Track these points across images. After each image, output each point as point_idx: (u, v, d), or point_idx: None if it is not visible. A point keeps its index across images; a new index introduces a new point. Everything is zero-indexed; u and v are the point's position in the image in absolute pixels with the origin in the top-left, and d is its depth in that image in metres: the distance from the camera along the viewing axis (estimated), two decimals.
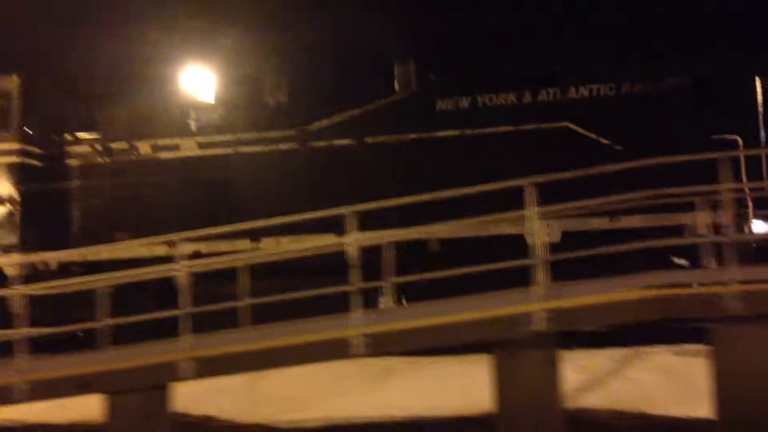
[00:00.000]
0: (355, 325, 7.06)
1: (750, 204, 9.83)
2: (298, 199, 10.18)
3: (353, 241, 7.17)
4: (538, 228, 6.95)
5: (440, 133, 11.60)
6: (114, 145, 12.47)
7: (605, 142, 10.86)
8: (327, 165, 11.77)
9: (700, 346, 7.44)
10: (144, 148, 12.45)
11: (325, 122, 11.90)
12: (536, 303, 6.85)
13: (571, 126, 11.07)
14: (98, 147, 12.53)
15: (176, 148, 12.34)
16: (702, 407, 6.97)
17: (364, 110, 11.79)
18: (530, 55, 13.62)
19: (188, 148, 12.33)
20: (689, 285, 6.95)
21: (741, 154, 9.76)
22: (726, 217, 6.92)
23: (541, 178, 6.91)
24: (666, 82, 11.01)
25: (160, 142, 12.34)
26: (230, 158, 12.20)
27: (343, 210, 7.26)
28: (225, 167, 12.14)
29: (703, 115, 10.52)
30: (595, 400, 8.34)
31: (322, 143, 11.93)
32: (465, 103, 11.58)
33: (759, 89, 10.62)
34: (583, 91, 11.25)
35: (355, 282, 7.14)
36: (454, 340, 7.22)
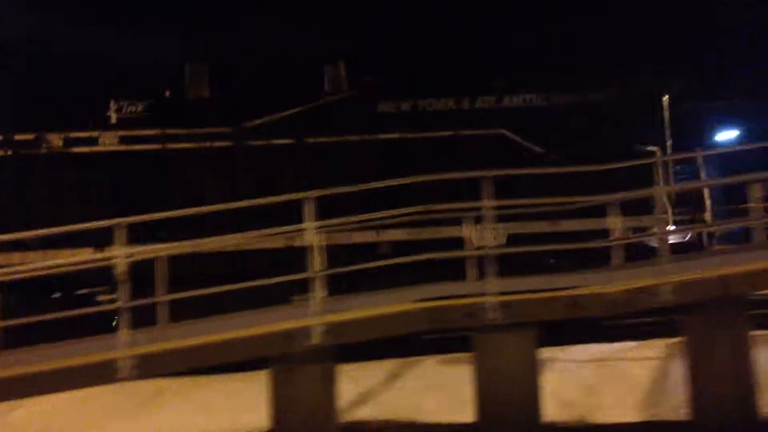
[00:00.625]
0: (122, 346, 6.63)
1: (669, 210, 10.25)
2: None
3: (122, 255, 6.75)
4: (316, 240, 7.02)
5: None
6: None
7: (538, 149, 11.26)
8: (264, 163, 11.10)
9: (466, 354, 7.90)
10: None
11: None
12: (313, 317, 6.90)
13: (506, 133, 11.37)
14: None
15: None
16: (466, 412, 7.41)
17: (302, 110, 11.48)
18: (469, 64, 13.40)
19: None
20: (459, 296, 7.36)
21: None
22: (486, 232, 7.38)
23: (317, 192, 7.01)
24: (591, 96, 11.75)
25: None
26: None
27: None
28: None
29: (623, 127, 11.29)
30: (368, 411, 8.54)
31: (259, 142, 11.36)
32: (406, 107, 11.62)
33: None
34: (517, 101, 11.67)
35: (124, 300, 6.72)
36: (228, 358, 7.04)
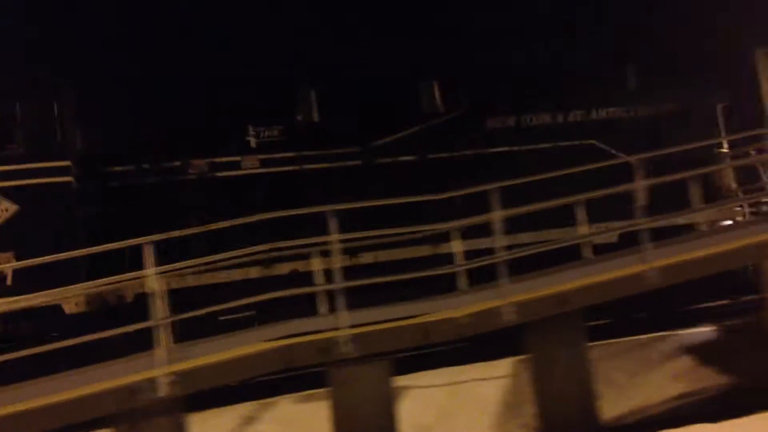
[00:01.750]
0: None
1: None
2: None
3: None
4: (157, 286, 6.69)
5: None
6: None
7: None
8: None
9: (322, 390, 7.79)
10: None
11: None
12: (159, 368, 6.54)
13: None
14: None
15: None
16: None
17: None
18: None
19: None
20: (310, 333, 7.26)
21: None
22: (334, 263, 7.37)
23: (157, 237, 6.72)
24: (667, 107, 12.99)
25: None
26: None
27: None
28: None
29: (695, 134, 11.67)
30: None
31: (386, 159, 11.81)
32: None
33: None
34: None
35: None
36: (58, 423, 6.46)
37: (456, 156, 12.10)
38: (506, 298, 7.49)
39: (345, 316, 7.12)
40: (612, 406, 8.70)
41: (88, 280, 7.92)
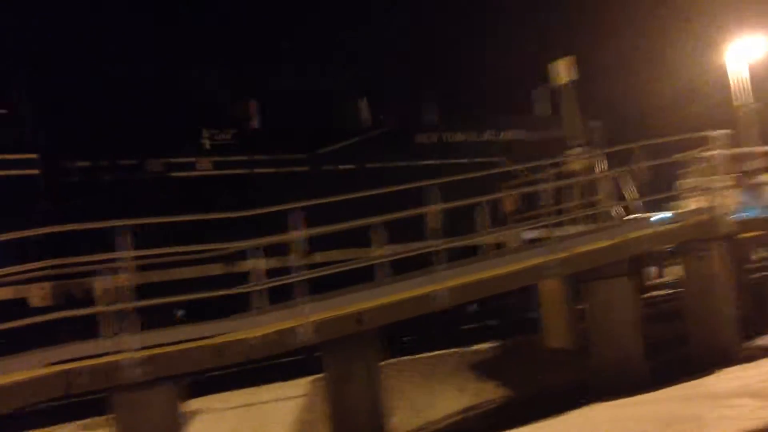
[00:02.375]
0: None
1: None
2: None
3: None
4: None
5: None
6: None
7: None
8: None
9: (105, 417, 7.29)
10: None
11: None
12: None
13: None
14: None
15: None
16: None
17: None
18: None
19: None
20: (95, 356, 6.79)
21: None
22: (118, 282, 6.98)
23: None
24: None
25: None
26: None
27: None
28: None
29: None
30: None
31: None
32: None
33: None
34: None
35: None
36: None
37: (389, 166, 13.21)
38: (303, 318, 7.49)
39: (132, 338, 6.73)
40: (404, 420, 9.01)
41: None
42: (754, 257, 14.43)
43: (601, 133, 16.26)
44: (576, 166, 12.58)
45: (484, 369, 10.99)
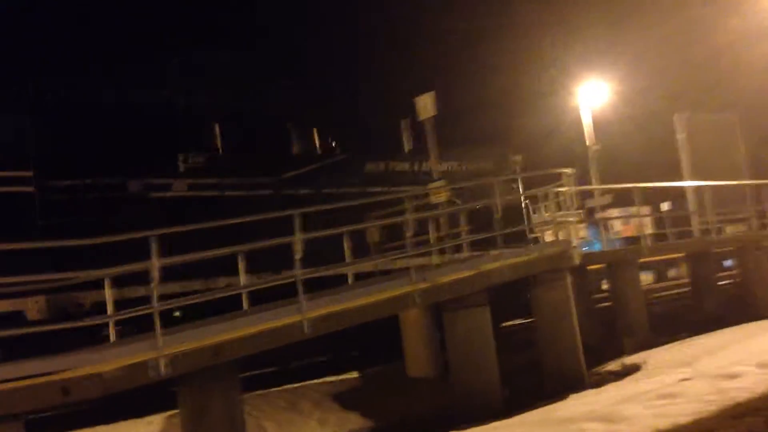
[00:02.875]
0: None
1: None
2: None
3: None
4: None
5: None
6: None
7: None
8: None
9: None
10: None
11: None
12: None
13: None
14: None
15: None
16: None
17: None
18: None
19: None
20: None
21: None
22: None
23: None
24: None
25: None
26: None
27: None
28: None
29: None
30: None
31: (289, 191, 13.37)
32: None
33: None
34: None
35: None
36: None
37: (343, 191, 13.63)
38: (157, 351, 7.15)
39: None
40: None
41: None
42: (602, 287, 15.35)
43: (522, 166, 17.50)
44: (437, 198, 12.92)
45: (346, 400, 10.95)
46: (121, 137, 11.90)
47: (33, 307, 10.38)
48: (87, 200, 11.42)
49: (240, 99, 13.80)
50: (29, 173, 10.94)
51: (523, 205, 15.11)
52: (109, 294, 7.98)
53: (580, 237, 11.90)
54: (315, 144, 14.63)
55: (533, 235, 13.51)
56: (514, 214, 13.97)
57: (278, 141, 14.04)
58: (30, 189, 10.94)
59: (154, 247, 7.47)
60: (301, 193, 13.42)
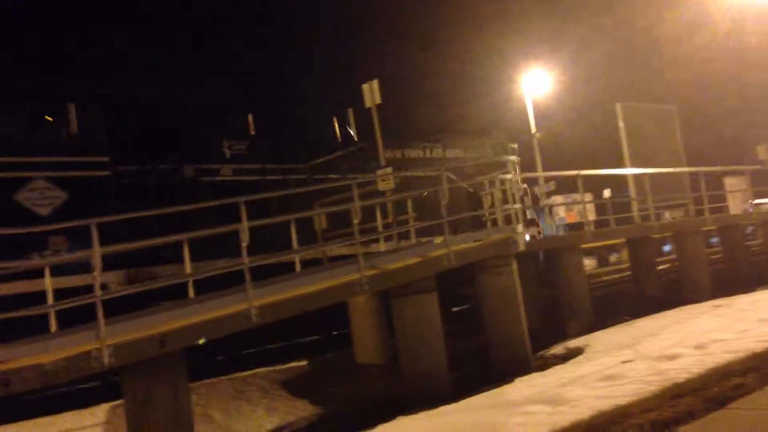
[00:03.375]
0: None
1: None
2: None
3: None
4: None
5: None
6: None
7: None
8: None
9: None
10: None
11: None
12: None
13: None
14: None
15: None
16: None
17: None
18: None
19: None
20: None
21: None
22: None
23: None
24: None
25: None
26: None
27: None
28: None
29: None
30: None
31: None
32: None
33: None
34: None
35: None
36: None
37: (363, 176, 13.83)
38: (100, 341, 7.00)
39: None
40: None
41: None
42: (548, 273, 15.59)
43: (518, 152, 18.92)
44: (383, 186, 12.94)
45: (295, 387, 10.92)
46: (176, 128, 13.45)
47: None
48: (149, 184, 12.56)
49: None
50: (106, 159, 12.02)
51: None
52: (48, 283, 7.80)
53: (523, 223, 12.07)
54: (336, 133, 16.24)
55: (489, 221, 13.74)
56: (469, 201, 14.32)
57: (309, 130, 15.92)
58: (106, 173, 12.00)
59: (94, 234, 7.31)
60: (330, 177, 14.26)
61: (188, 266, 8.67)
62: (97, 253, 7.28)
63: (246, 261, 8.28)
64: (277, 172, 14.13)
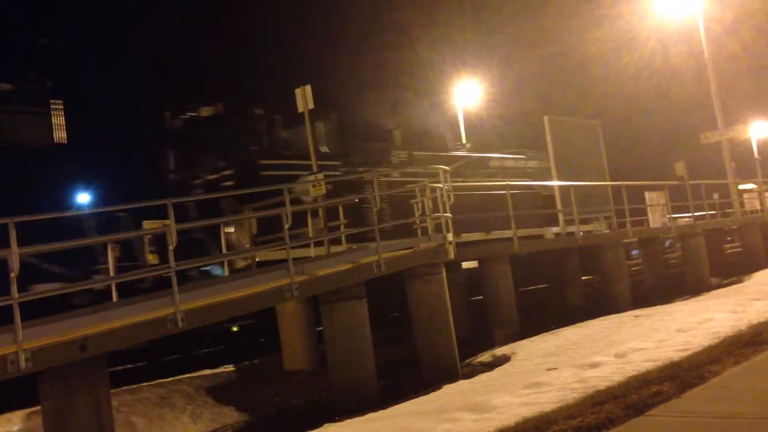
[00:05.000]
0: None
1: None
2: None
3: None
4: None
5: None
6: None
7: None
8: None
9: None
10: None
11: None
12: None
13: None
14: None
15: None
16: None
17: None
18: None
19: None
20: None
21: None
22: None
23: None
24: None
25: None
26: None
27: None
28: None
29: None
30: None
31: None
32: None
33: None
34: None
35: None
36: None
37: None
38: (19, 344, 6.71)
39: None
40: None
41: None
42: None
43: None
44: (315, 192, 12.81)
45: (221, 393, 10.73)
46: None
47: None
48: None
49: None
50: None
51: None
52: None
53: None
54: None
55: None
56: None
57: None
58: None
59: (12, 234, 7.01)
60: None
61: (112, 269, 8.42)
62: (15, 253, 6.98)
63: (173, 264, 8.09)
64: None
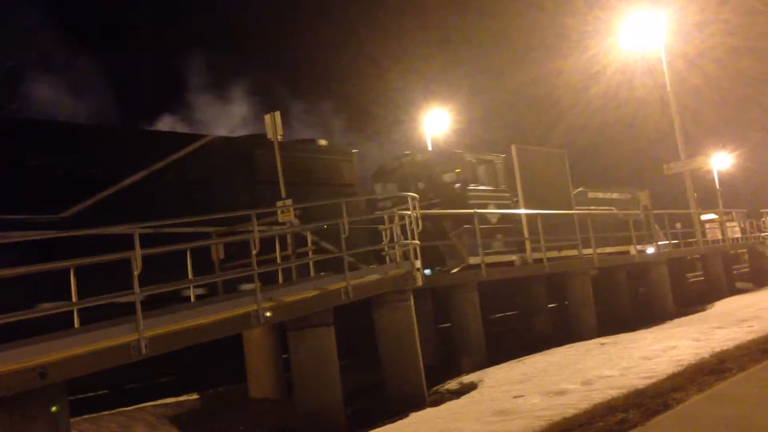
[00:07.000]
0: None
1: None
2: None
3: None
4: None
5: None
6: None
7: None
8: None
9: None
10: None
11: None
12: None
13: None
14: None
15: None
16: None
17: None
18: None
19: None
20: None
21: None
22: None
23: None
24: None
25: None
26: None
27: None
28: None
29: None
30: None
31: None
32: None
33: None
34: None
35: None
36: None
37: None
38: None
39: None
40: None
41: None
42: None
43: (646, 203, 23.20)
44: (282, 217, 12.73)
45: (185, 422, 10.53)
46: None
47: None
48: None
49: None
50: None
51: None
52: None
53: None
54: None
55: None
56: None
57: None
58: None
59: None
60: None
61: (74, 294, 8.24)
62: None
63: (137, 290, 7.96)
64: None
